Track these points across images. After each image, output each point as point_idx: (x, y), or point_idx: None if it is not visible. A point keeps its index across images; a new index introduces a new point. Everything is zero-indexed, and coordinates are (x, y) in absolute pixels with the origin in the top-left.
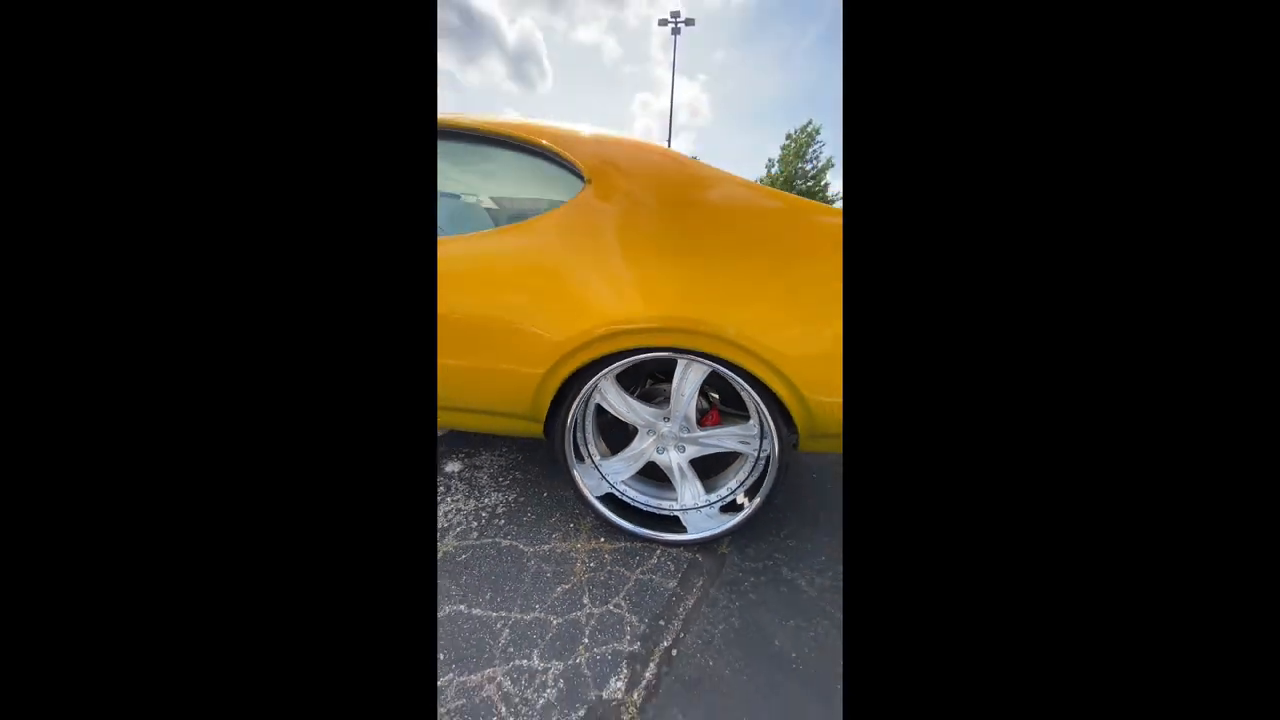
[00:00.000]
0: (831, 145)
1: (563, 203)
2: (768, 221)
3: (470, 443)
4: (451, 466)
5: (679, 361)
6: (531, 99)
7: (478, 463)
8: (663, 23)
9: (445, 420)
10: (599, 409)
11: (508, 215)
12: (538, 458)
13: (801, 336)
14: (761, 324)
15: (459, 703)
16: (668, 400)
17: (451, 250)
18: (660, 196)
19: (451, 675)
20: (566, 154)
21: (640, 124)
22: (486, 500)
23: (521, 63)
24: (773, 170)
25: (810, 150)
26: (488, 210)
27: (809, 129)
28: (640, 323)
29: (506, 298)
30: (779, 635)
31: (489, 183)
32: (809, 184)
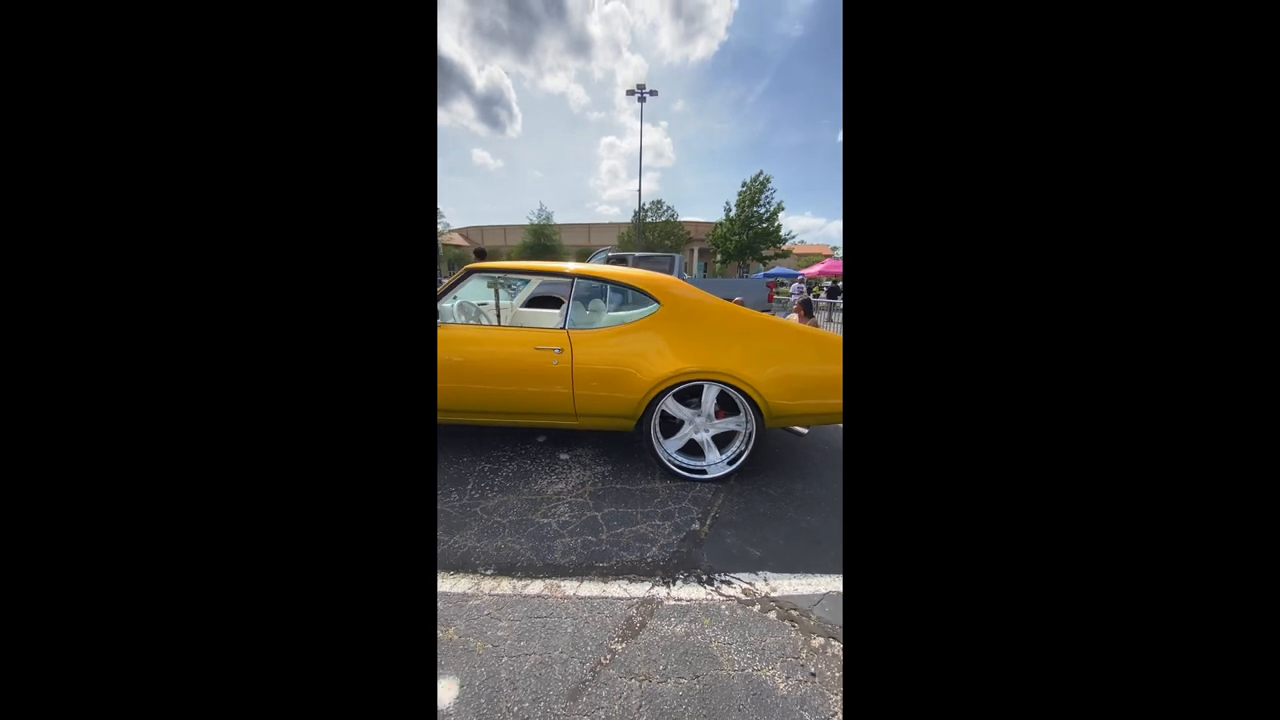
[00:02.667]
0: (782, 191)
1: (649, 314)
2: (740, 318)
3: (568, 441)
4: (563, 455)
5: (705, 385)
6: (501, 140)
7: (578, 452)
8: (630, 93)
9: (581, 424)
10: (663, 413)
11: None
12: (613, 447)
13: (761, 371)
14: (743, 366)
15: (631, 537)
16: (699, 405)
17: (607, 335)
18: (693, 311)
19: (624, 529)
20: (650, 290)
21: (606, 165)
22: (596, 470)
23: (490, 106)
24: (730, 214)
25: (763, 196)
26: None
27: (761, 179)
28: (687, 369)
29: (628, 359)
30: (761, 506)
31: (612, 303)
32: (763, 225)
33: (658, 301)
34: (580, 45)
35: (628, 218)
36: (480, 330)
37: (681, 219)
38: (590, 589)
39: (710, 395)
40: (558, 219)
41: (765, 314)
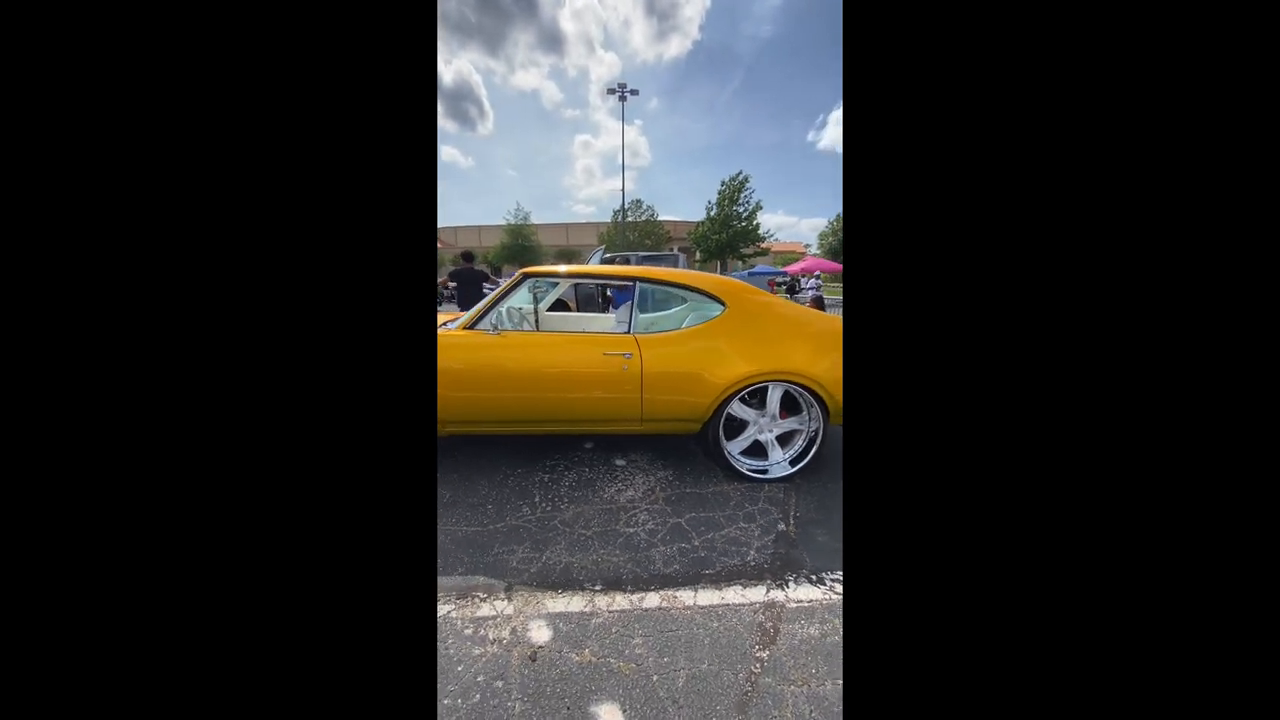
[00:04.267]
0: (760, 190)
1: (715, 317)
2: (802, 317)
3: (617, 446)
4: (619, 461)
5: (770, 385)
6: (472, 138)
7: (632, 457)
8: (611, 91)
9: (645, 429)
10: (728, 415)
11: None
12: (667, 451)
13: (826, 366)
14: (810, 364)
15: (723, 542)
16: (763, 406)
17: (675, 339)
18: (759, 312)
19: (713, 534)
20: (715, 292)
21: (582, 163)
22: (659, 475)
23: (459, 102)
24: (711, 212)
25: (742, 195)
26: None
27: (740, 178)
28: (758, 370)
29: (698, 363)
30: (829, 502)
31: (683, 307)
32: (742, 224)
33: (723, 303)
34: (552, 41)
35: (604, 217)
36: (543, 336)
37: (660, 218)
38: (708, 597)
39: (775, 395)
40: (534, 219)
41: (820, 310)
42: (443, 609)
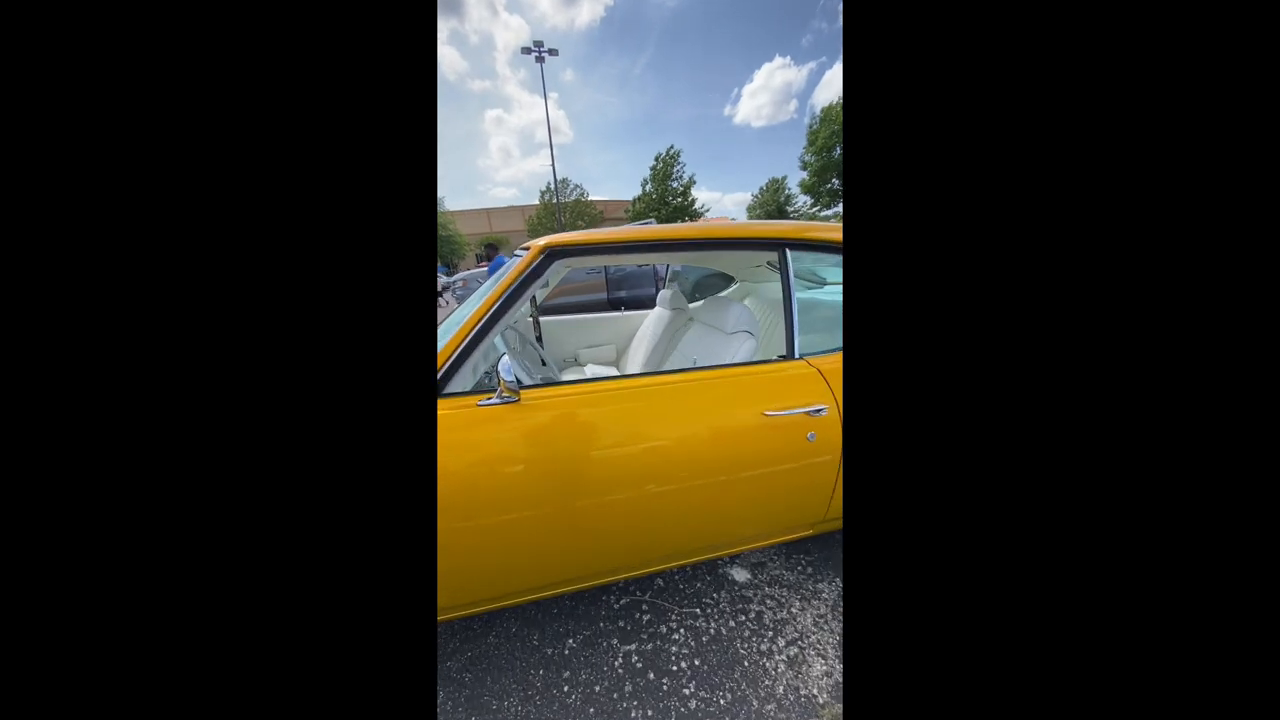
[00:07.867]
0: (691, 165)
1: None
2: None
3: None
4: (737, 575)
5: None
6: None
7: (754, 561)
8: (526, 51)
9: (819, 530)
10: None
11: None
12: (794, 551)
13: None
14: None
15: None
16: None
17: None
18: None
19: None
20: None
21: (496, 142)
22: (819, 590)
23: None
24: (646, 188)
25: (675, 170)
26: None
27: (671, 152)
28: None
29: None
30: None
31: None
32: (678, 200)
33: None
34: (448, 1)
35: (527, 200)
36: (624, 387)
37: (590, 198)
38: None
39: None
40: (449, 204)
41: None
42: None
